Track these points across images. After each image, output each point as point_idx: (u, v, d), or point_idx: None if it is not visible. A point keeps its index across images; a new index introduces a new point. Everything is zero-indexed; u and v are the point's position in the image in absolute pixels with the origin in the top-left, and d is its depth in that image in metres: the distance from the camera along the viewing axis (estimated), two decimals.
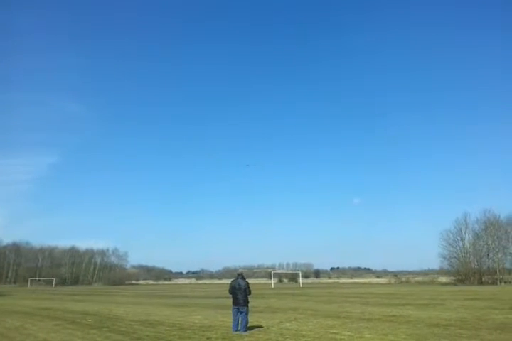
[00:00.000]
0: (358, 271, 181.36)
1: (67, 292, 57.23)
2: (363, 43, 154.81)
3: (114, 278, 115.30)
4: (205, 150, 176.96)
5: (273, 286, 63.65)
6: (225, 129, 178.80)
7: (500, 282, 61.32)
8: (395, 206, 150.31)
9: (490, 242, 66.84)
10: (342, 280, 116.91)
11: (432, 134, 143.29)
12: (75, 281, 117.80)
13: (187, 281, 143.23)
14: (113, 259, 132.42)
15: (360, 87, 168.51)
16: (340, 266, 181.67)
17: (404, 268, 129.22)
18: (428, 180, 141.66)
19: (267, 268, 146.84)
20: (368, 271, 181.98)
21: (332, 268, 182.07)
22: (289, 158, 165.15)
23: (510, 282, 61.19)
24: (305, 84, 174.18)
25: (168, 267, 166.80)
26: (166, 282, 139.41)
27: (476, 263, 66.49)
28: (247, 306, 12.40)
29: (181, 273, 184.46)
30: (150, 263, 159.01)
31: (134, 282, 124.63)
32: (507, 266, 65.42)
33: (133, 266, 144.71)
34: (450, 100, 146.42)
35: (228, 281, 13.20)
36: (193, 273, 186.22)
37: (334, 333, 11.91)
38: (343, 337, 11.25)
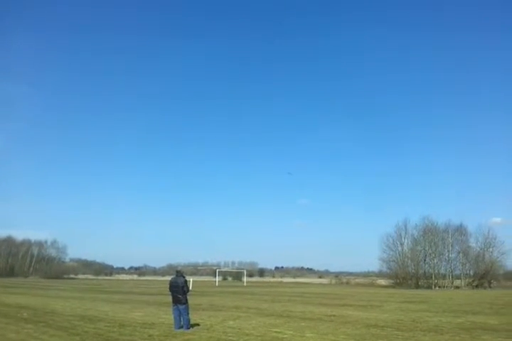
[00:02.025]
0: (301, 271, 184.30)
1: (1, 284, 54.50)
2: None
3: (52, 271, 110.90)
4: (154, 144, 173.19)
5: (217, 284, 63.55)
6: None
7: (435, 286, 64.28)
8: (341, 207, 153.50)
9: (427, 248, 69.82)
10: (285, 280, 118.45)
11: (377, 138, 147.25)
12: (11, 273, 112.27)
13: (128, 277, 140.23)
14: (51, 252, 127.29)
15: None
16: (285, 266, 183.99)
17: (346, 270, 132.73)
18: (373, 183, 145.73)
19: (212, 266, 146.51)
20: (310, 271, 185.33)
21: (276, 268, 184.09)
22: (236, 156, 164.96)
23: (444, 287, 64.24)
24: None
25: (109, 262, 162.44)
26: (107, 277, 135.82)
27: (413, 268, 69.28)
28: (186, 304, 12.27)
29: (123, 268, 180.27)
30: (90, 257, 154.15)
31: (72, 276, 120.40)
32: (442, 271, 68.64)
33: (72, 260, 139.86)
34: (391, 105, 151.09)
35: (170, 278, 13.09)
36: (136, 268, 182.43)
37: (277, 332, 12.04)
38: (285, 336, 11.40)
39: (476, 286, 64.70)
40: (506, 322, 15.06)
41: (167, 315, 15.84)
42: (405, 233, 72.80)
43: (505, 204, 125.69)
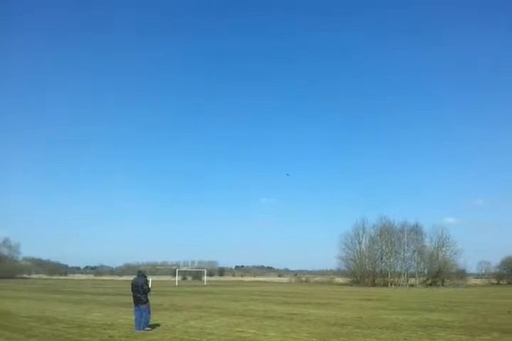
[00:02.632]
0: (261, 270, 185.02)
1: None
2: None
3: (4, 271, 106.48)
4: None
5: (177, 284, 62.87)
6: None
7: (391, 284, 66.08)
8: (302, 207, 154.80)
9: (384, 247, 71.74)
10: (246, 279, 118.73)
11: (337, 138, 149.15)
12: None
13: (84, 277, 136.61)
14: (3, 250, 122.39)
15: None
16: (245, 265, 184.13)
17: (305, 268, 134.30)
18: (333, 183, 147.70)
19: (171, 265, 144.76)
20: (270, 270, 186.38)
21: (237, 267, 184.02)
22: (195, 155, 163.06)
23: (399, 285, 66.12)
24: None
25: (64, 261, 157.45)
26: (62, 277, 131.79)
27: (370, 266, 71.05)
28: (147, 303, 12.16)
29: (78, 268, 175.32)
30: (44, 257, 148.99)
31: (25, 276, 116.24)
32: (397, 269, 70.71)
33: (25, 259, 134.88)
34: (345, 105, 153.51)
35: (129, 278, 12.88)
36: (92, 268, 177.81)
37: (239, 331, 12.05)
38: (248, 335, 11.42)
39: (430, 284, 66.99)
40: (460, 320, 15.66)
41: (127, 316, 15.55)
42: (363, 232, 74.56)
43: (458, 206, 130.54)
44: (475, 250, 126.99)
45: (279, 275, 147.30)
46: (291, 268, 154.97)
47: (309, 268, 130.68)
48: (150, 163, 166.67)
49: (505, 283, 72.82)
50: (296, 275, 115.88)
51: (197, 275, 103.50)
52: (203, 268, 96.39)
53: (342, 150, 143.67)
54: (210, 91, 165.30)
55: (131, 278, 12.82)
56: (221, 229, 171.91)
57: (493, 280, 75.83)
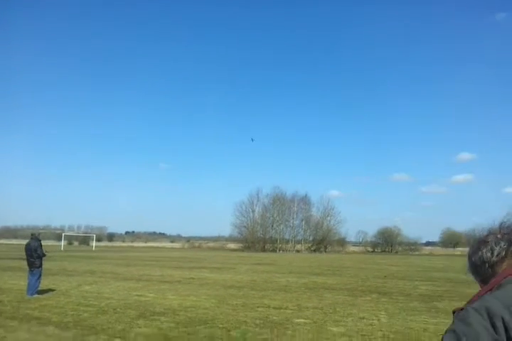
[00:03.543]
0: (153, 236, 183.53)
1: None
2: None
3: None
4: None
5: (63, 248, 60.17)
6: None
7: (279, 250, 69.96)
8: (198, 173, 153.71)
9: (275, 215, 75.44)
10: (136, 244, 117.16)
11: (233, 105, 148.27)
12: None
13: None
14: None
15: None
16: (136, 230, 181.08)
17: (198, 234, 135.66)
18: (232, 151, 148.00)
19: (55, 229, 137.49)
20: (162, 236, 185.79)
21: (127, 232, 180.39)
22: (98, 120, 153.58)
23: (287, 250, 70.27)
24: None
25: None
26: None
27: (261, 233, 74.44)
28: (40, 268, 11.64)
29: None
30: None
31: None
32: (286, 236, 75.09)
33: None
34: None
35: (7, 242, 12.04)
36: None
37: (138, 295, 12.03)
38: (147, 298, 11.45)
39: (314, 250, 72.08)
40: (343, 282, 17.16)
41: (14, 280, 14.71)
42: (257, 201, 77.38)
43: (341, 179, 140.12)
44: (354, 220, 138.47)
45: (172, 241, 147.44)
46: (184, 234, 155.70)
47: (202, 235, 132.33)
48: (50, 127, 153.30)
49: (379, 251, 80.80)
50: (188, 241, 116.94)
51: (84, 240, 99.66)
52: (91, 233, 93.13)
53: (240, 120, 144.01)
54: None
55: (9, 241, 12.06)
56: (113, 193, 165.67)
57: (369, 248, 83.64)
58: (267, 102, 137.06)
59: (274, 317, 9.05)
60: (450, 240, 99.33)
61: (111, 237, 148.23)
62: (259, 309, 10.10)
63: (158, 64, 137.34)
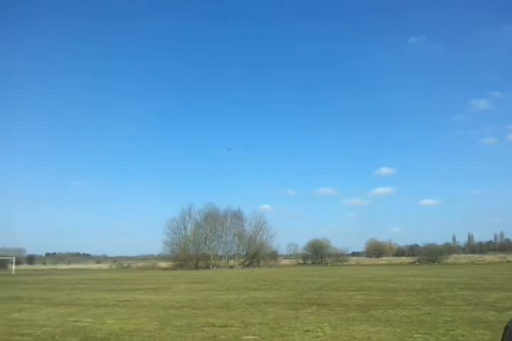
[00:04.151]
0: (76, 257, 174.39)
1: None
2: None
3: None
4: None
5: None
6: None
7: (213, 267, 69.27)
8: (120, 190, 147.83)
9: (208, 231, 74.80)
10: (60, 267, 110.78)
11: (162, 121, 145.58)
12: None
13: None
14: None
15: None
16: (57, 252, 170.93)
17: (125, 254, 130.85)
18: (162, 168, 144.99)
19: None
20: (87, 257, 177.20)
21: (48, 254, 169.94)
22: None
23: (220, 267, 69.76)
24: None
25: None
26: None
27: (194, 250, 73.40)
28: None
29: None
30: None
31: None
32: (219, 252, 74.68)
33: None
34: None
35: None
36: None
37: (74, 321, 11.44)
38: (85, 324, 10.93)
39: (247, 265, 72.21)
40: (282, 296, 17.39)
41: None
42: (189, 217, 76.44)
43: (273, 194, 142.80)
44: (285, 234, 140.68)
45: (97, 262, 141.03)
46: (110, 254, 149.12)
47: (130, 254, 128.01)
48: None
49: (310, 263, 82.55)
50: (115, 261, 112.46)
51: (2, 263, 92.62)
52: (8, 256, 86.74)
53: (167, 134, 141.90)
54: None
55: None
56: (29, 213, 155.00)
57: (300, 261, 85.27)
58: (189, 118, 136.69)
59: (223, 336, 9.01)
60: (374, 250, 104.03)
61: (31, 259, 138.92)
62: (205, 328, 10.00)
63: None
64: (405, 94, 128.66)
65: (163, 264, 78.20)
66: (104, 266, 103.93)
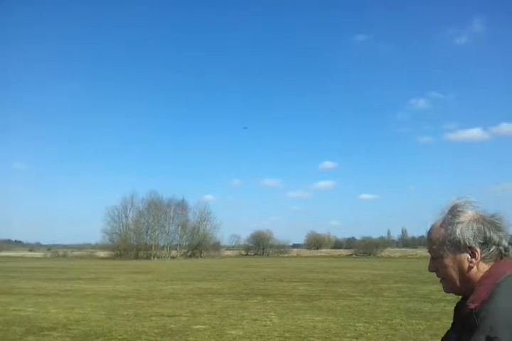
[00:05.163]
0: (7, 244, 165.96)
1: None
2: None
3: None
4: None
5: None
6: None
7: (154, 257, 68.36)
8: (60, 175, 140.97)
9: (150, 220, 73.34)
10: None
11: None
12: None
13: None
14: None
15: None
16: None
17: (59, 242, 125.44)
18: (98, 154, 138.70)
19: None
20: (19, 244, 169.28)
21: None
22: None
23: (162, 257, 68.96)
24: None
25: None
26: None
27: (135, 239, 71.84)
28: None
29: None
30: None
31: None
32: (161, 243, 73.62)
33: None
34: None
35: None
36: None
37: (16, 310, 11.15)
38: (28, 313, 10.68)
39: (190, 256, 71.95)
40: (227, 287, 17.66)
41: None
42: (131, 206, 74.50)
43: (216, 184, 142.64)
44: (228, 225, 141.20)
45: (30, 250, 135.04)
46: (44, 242, 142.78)
47: (65, 242, 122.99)
48: None
49: (252, 254, 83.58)
50: (50, 249, 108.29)
51: None
52: None
53: (113, 119, 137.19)
54: None
55: None
56: None
57: (243, 252, 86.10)
58: (137, 103, 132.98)
59: (172, 326, 9.11)
60: (314, 242, 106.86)
61: None
62: (154, 318, 10.05)
63: None
64: (350, 90, 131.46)
65: (102, 254, 76.06)
66: (38, 254, 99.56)
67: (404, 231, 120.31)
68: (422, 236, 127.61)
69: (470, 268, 1.38)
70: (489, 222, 1.39)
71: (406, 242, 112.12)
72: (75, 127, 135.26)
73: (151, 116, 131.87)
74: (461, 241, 1.38)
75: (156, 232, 73.08)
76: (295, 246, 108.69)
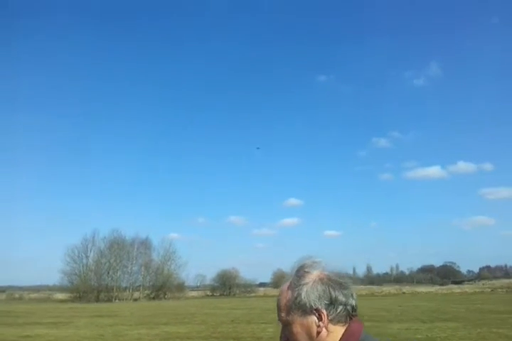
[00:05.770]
0: None
1: None
2: None
3: None
4: None
5: None
6: None
7: (115, 299, 65.61)
8: (13, 216, 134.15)
9: (112, 261, 70.76)
10: None
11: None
12: None
13: None
14: None
15: None
16: None
17: (14, 283, 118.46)
18: (62, 192, 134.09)
19: None
20: None
21: None
22: None
23: (124, 299, 66.26)
24: None
25: None
26: None
27: (95, 281, 68.90)
28: None
29: None
30: None
31: None
32: (124, 284, 70.85)
33: None
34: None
35: None
36: None
37: None
38: None
39: (153, 298, 69.52)
40: (195, 330, 17.21)
41: None
42: (92, 245, 71.92)
43: (181, 222, 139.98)
44: (192, 264, 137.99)
45: None
46: None
47: (20, 284, 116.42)
48: None
49: (218, 294, 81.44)
50: (4, 291, 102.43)
51: None
52: None
53: (77, 158, 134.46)
54: None
55: None
56: None
57: (208, 292, 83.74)
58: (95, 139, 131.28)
59: None
60: (281, 281, 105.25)
61: None
62: None
63: None
64: (315, 128, 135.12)
65: (60, 296, 72.48)
66: None
67: (369, 268, 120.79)
68: (387, 273, 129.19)
69: (318, 332, 1.32)
70: (334, 282, 1.36)
71: (371, 279, 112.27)
72: (35, 163, 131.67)
73: (111, 152, 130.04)
74: (307, 305, 1.33)
75: (118, 273, 70.57)
76: (262, 284, 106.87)
